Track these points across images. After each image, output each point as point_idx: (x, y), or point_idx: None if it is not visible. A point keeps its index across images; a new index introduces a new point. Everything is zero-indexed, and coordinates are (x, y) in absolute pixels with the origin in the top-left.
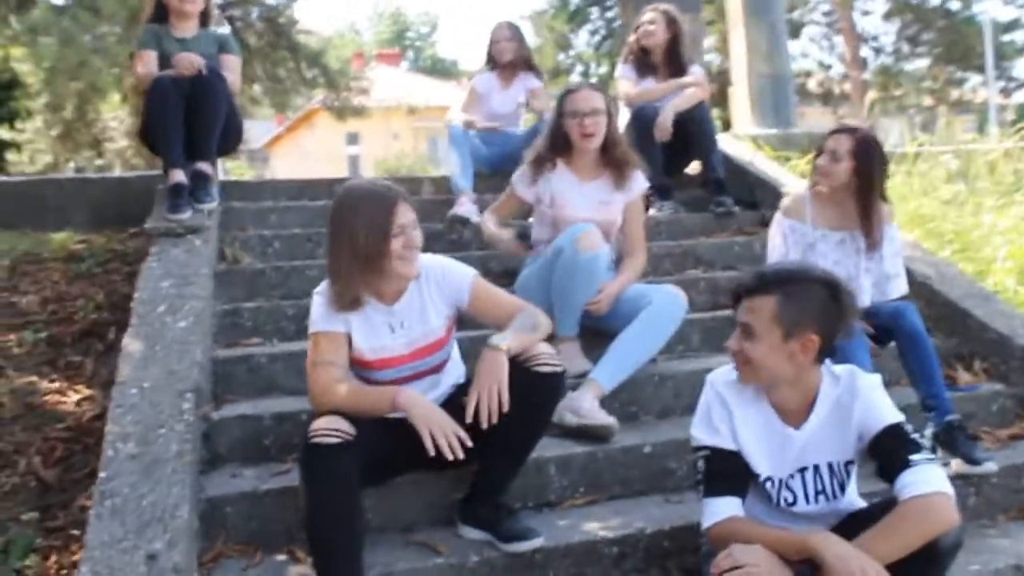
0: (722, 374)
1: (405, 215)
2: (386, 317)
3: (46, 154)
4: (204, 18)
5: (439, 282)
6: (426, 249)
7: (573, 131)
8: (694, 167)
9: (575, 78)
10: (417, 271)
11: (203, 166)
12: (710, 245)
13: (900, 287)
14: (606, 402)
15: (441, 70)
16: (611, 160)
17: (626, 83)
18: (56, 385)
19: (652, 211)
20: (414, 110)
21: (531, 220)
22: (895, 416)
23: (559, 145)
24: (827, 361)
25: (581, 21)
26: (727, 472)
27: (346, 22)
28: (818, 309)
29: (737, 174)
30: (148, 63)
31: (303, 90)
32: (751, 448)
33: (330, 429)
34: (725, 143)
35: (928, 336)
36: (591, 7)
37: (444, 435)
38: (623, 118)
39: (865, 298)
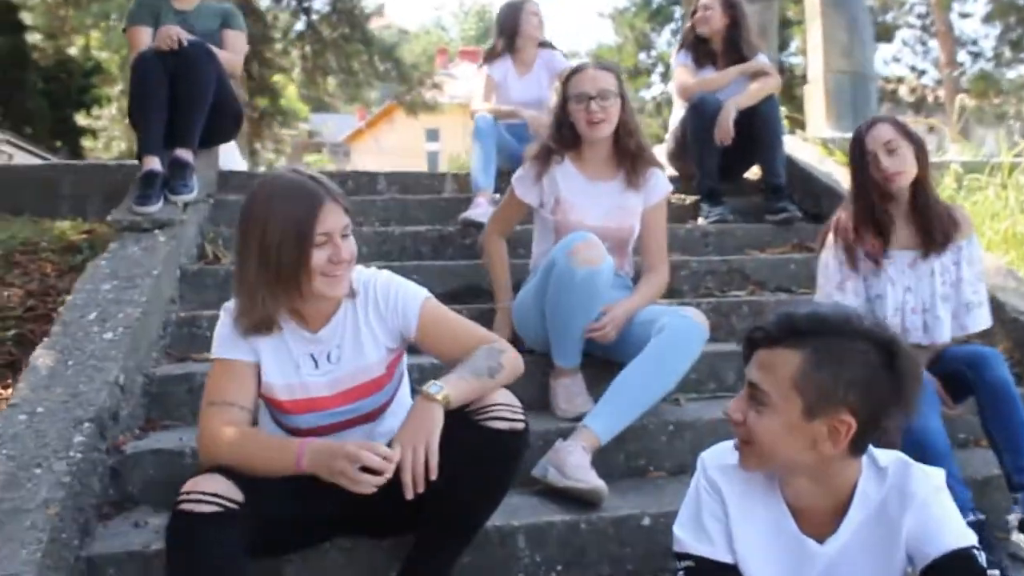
0: (718, 453)
1: (333, 220)
2: (308, 346)
3: (121, 140)
4: None
5: (380, 305)
6: (438, 254)
7: (579, 118)
8: (754, 171)
9: (655, 78)
10: (345, 291)
11: (181, 153)
12: (761, 261)
13: (981, 319)
14: (609, 451)
15: None
16: (624, 154)
17: (682, 72)
18: (8, 392)
19: (700, 220)
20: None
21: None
22: (964, 536)
23: (565, 137)
24: (869, 449)
25: (663, 20)
26: None
27: (432, 18)
28: (861, 379)
29: (802, 180)
30: (142, 40)
31: (376, 83)
32: (754, 562)
33: (205, 494)
34: (790, 146)
35: (1017, 392)
36: (673, 5)
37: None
38: (676, 113)
39: (944, 334)
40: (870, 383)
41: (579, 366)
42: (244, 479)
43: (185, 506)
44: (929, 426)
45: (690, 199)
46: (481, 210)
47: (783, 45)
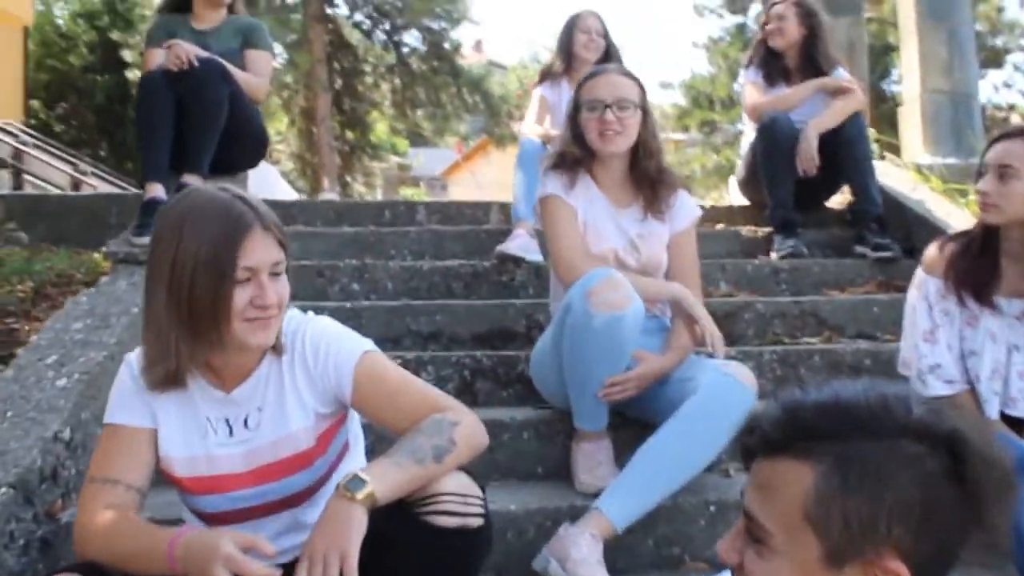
0: None
1: (261, 252)
2: (221, 409)
3: None
4: (232, 6)
5: (308, 360)
6: (470, 292)
7: (590, 129)
8: (836, 200)
9: None
10: (271, 341)
11: (189, 179)
12: (840, 303)
13: None
14: (635, 535)
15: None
16: (642, 178)
17: (752, 90)
18: None
19: (773, 255)
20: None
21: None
22: None
23: (577, 152)
24: None
25: None
26: None
27: (530, 52)
28: (911, 504)
29: (891, 210)
30: (155, 62)
31: (465, 116)
32: None
33: None
34: (879, 171)
35: None
36: None
37: None
38: (748, 136)
39: None
40: (929, 507)
41: (605, 429)
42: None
43: None
44: None
45: (763, 231)
46: (519, 242)
47: (884, 71)
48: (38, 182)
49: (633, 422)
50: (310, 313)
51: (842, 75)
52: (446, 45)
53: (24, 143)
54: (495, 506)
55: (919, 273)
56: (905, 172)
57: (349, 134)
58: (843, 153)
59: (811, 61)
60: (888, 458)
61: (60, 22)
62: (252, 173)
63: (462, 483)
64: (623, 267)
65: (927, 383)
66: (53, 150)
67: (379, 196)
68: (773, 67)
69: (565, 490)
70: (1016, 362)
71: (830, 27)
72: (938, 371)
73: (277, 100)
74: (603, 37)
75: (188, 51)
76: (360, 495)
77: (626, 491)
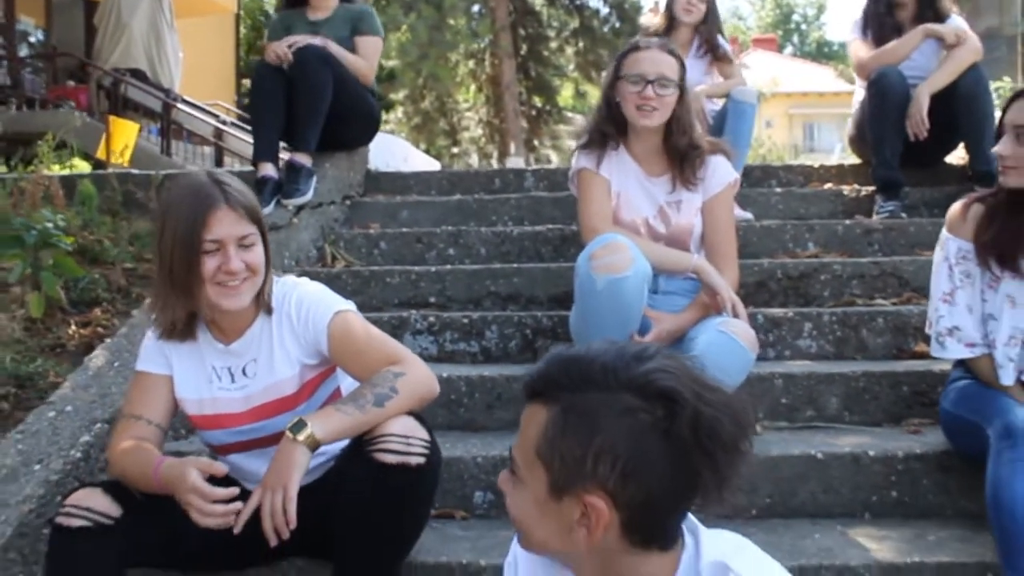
0: None
1: (224, 227)
2: (224, 359)
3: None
4: None
5: (292, 318)
6: (559, 255)
7: (628, 102)
8: (959, 155)
9: None
10: (243, 304)
11: (296, 158)
12: (924, 264)
13: None
14: None
15: (828, 54)
16: (674, 152)
17: (857, 46)
18: None
19: (875, 216)
20: (761, 96)
21: None
22: None
23: (612, 121)
24: (698, 539)
25: None
26: None
27: (729, 7)
28: (620, 449)
29: None
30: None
31: None
32: None
33: (78, 508)
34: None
35: None
36: None
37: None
38: (857, 93)
39: None
40: (637, 456)
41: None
42: (131, 494)
43: (58, 519)
44: (1018, 491)
45: (867, 191)
46: None
47: None
48: (235, 158)
49: None
50: (302, 278)
51: (956, 24)
52: (627, 6)
53: (224, 123)
54: None
55: (943, 233)
56: None
57: (535, 99)
58: (959, 109)
59: (926, 11)
60: (604, 408)
61: (269, 9)
62: (375, 147)
63: (407, 426)
64: (653, 234)
65: (944, 345)
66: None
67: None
68: (883, 24)
69: None
70: None
71: None
72: (958, 333)
73: (464, 68)
74: (703, 1)
75: (285, 50)
76: (301, 436)
77: None
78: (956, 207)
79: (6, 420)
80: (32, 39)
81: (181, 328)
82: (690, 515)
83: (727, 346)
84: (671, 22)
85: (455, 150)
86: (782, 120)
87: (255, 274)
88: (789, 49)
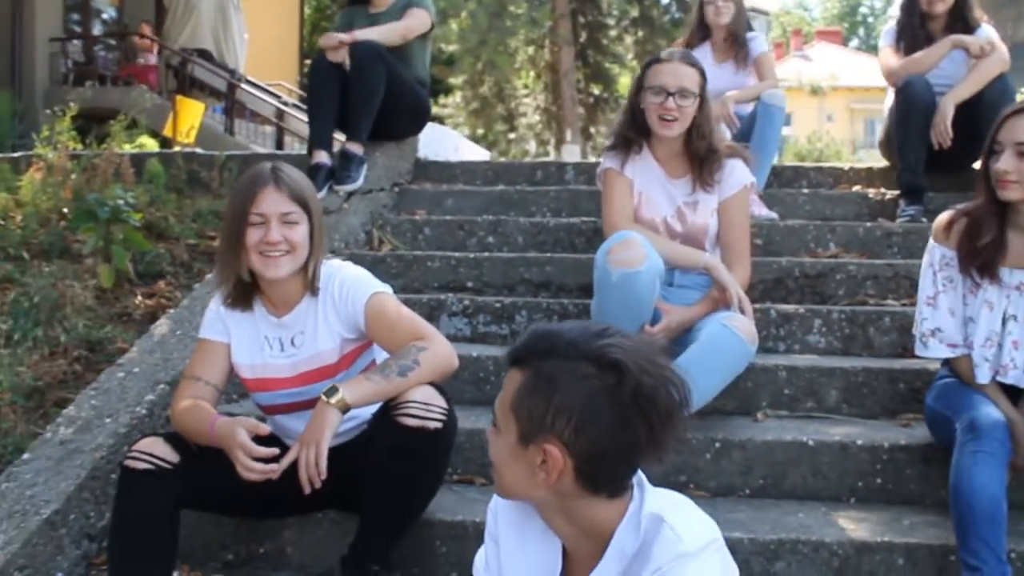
0: None
1: (270, 204)
2: (275, 331)
3: (464, 127)
4: None
5: (335, 296)
6: (591, 246)
7: (651, 112)
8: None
9: None
10: (282, 274)
11: (349, 146)
12: None
13: None
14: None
15: None
16: (694, 155)
17: (887, 54)
18: None
19: (897, 220)
20: (816, 91)
21: None
22: None
23: (636, 127)
24: (643, 494)
25: None
26: None
27: None
28: (574, 407)
29: None
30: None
31: None
32: None
33: (143, 453)
34: None
35: None
36: None
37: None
38: (888, 99)
39: None
40: (587, 414)
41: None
42: (188, 445)
43: (126, 462)
44: (976, 481)
45: (891, 195)
46: None
47: None
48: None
49: None
50: (346, 262)
51: (985, 34)
52: None
53: (285, 104)
54: None
55: (930, 241)
56: None
57: (593, 87)
58: (984, 118)
59: (957, 23)
60: (565, 374)
61: None
62: (427, 137)
63: (427, 394)
64: (671, 232)
65: (927, 345)
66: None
67: None
68: (919, 35)
69: None
70: (1011, 331)
71: None
72: (940, 335)
73: (523, 55)
74: (730, 0)
75: (337, 40)
76: (333, 400)
77: None
78: (943, 218)
79: (79, 380)
80: (105, 16)
81: (236, 296)
82: (641, 474)
83: (728, 339)
84: (705, 29)
85: (512, 136)
86: (843, 114)
87: (294, 250)
88: (855, 42)
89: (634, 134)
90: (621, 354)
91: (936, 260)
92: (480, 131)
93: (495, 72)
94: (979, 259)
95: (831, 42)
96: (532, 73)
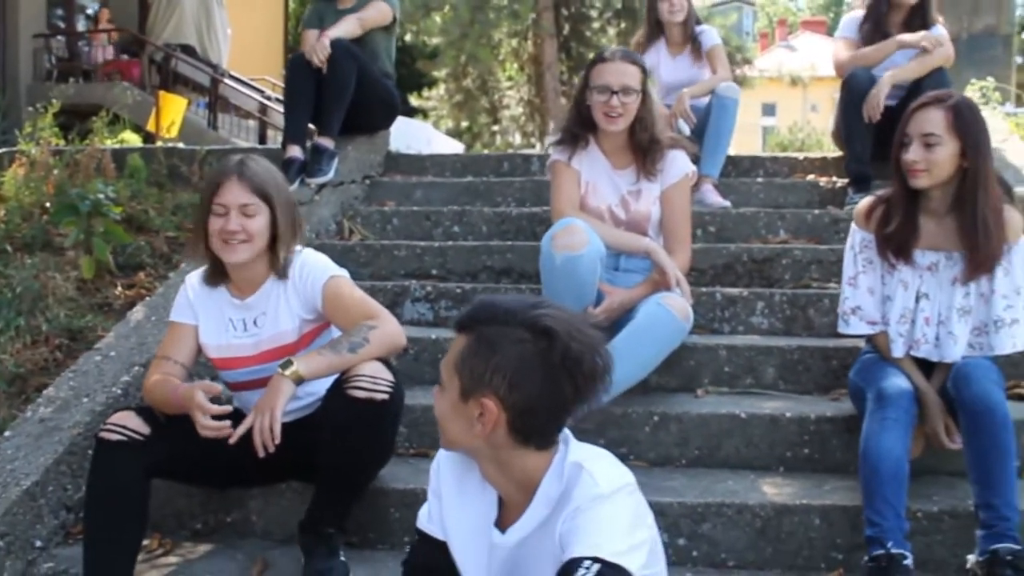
0: None
1: (230, 195)
2: (240, 312)
3: (448, 119)
4: None
5: (295, 280)
6: (526, 235)
7: (596, 109)
8: None
9: None
10: (242, 259)
11: (321, 140)
12: None
13: (1015, 340)
14: (589, 436)
15: None
16: (638, 146)
17: (839, 47)
18: None
19: (845, 207)
20: (796, 81)
21: None
22: (594, 547)
23: (584, 121)
24: (568, 447)
25: None
26: (423, 567)
27: None
28: (509, 367)
29: None
30: (307, 43)
31: None
32: (454, 543)
33: (116, 426)
34: None
35: (1007, 416)
36: None
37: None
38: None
39: (954, 352)
40: (520, 373)
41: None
42: (157, 418)
43: (100, 434)
44: (881, 445)
45: (841, 183)
46: None
47: None
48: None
49: None
50: (307, 248)
51: (936, 32)
52: None
53: (268, 98)
54: None
55: (852, 225)
56: (1000, 122)
57: (576, 79)
58: None
59: (916, 19)
60: (502, 338)
61: None
62: (400, 130)
63: (375, 368)
64: (615, 220)
65: (848, 322)
66: None
67: None
68: (877, 24)
69: None
70: (923, 308)
71: None
72: (859, 312)
73: (506, 48)
74: None
75: (323, 50)
76: (288, 372)
77: None
78: (863, 204)
79: (60, 367)
80: (90, 11)
81: (211, 272)
82: (567, 431)
83: (663, 317)
84: (658, 26)
85: (495, 128)
86: (828, 104)
87: (251, 239)
88: None
89: (580, 129)
90: (552, 322)
91: (857, 243)
92: (464, 124)
93: (478, 65)
94: (894, 242)
95: (816, 32)
96: (515, 65)
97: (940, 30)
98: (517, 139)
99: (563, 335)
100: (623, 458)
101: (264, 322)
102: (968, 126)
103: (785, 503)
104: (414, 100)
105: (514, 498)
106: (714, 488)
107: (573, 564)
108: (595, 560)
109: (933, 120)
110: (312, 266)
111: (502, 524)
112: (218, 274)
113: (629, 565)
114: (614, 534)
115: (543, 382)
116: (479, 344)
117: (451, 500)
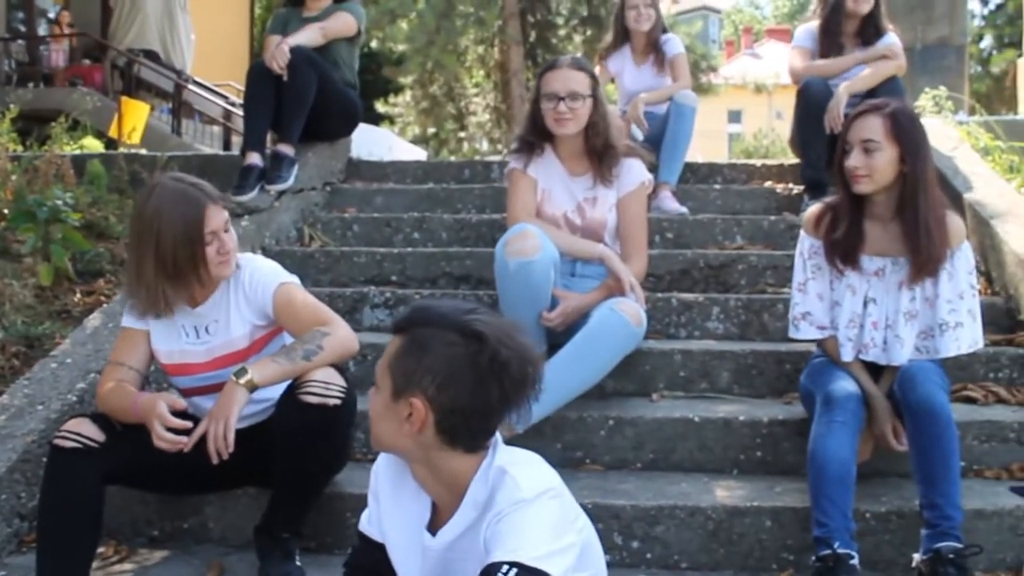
0: None
1: (215, 219)
2: (191, 319)
3: (415, 126)
4: None
5: (246, 285)
6: (485, 242)
7: (547, 115)
8: None
9: None
10: (232, 271)
11: (280, 148)
12: None
13: (959, 343)
14: (546, 439)
15: None
16: (592, 151)
17: (795, 56)
18: None
19: (801, 213)
20: (760, 88)
21: None
22: (512, 552)
23: (539, 130)
24: (495, 452)
25: None
26: (363, 568)
27: None
28: (438, 368)
29: None
30: (270, 48)
31: None
32: (391, 545)
33: (71, 432)
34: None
35: (950, 418)
36: None
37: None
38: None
39: (900, 356)
40: (449, 374)
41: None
42: (113, 424)
43: (55, 441)
44: (828, 448)
45: (797, 189)
46: None
47: None
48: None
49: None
50: (257, 254)
51: (889, 41)
52: None
53: (232, 104)
54: None
55: (801, 232)
56: (951, 130)
57: None
58: None
59: (869, 27)
60: (434, 340)
61: None
62: (357, 138)
63: (328, 374)
64: (571, 226)
65: (798, 327)
66: None
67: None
68: (830, 33)
69: None
70: (871, 313)
71: None
72: (809, 318)
73: (473, 54)
74: (651, 7)
75: (282, 56)
76: (242, 380)
77: None
78: (812, 211)
79: (17, 375)
80: (51, 15)
81: (164, 306)
82: (498, 435)
83: (616, 322)
84: (625, 33)
85: (462, 135)
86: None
87: (236, 248)
88: None
89: (535, 137)
90: (483, 327)
91: (806, 249)
92: (431, 130)
93: (444, 72)
94: (841, 248)
95: (781, 40)
96: (481, 72)
97: (893, 38)
98: (484, 145)
99: (493, 340)
100: (579, 462)
101: (216, 329)
102: (906, 132)
103: (737, 505)
104: (381, 106)
105: (445, 501)
106: (668, 491)
107: (492, 568)
108: (513, 564)
109: (871, 127)
110: (262, 272)
111: (434, 527)
112: (165, 306)
113: (550, 569)
114: (535, 538)
115: (471, 384)
116: (411, 345)
117: (388, 503)
